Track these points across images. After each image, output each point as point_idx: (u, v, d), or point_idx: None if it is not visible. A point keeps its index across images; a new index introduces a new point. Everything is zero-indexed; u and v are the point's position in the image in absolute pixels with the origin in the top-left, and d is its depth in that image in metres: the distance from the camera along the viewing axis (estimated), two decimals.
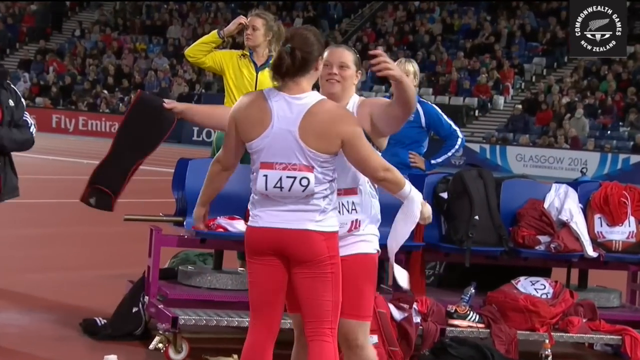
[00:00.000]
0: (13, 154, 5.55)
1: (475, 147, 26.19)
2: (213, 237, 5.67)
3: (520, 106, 28.07)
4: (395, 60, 4.19)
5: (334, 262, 3.83)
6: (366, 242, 3.97)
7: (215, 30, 6.68)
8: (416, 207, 3.89)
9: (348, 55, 3.99)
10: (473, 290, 5.76)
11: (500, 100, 29.65)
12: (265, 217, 3.83)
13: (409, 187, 3.89)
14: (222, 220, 5.67)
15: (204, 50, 6.60)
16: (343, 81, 3.97)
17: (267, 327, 3.89)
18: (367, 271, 3.96)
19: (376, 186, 4.01)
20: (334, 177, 3.85)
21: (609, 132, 26.79)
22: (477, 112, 29.46)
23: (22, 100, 5.65)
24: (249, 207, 3.93)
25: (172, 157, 6.87)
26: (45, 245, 9.40)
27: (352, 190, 3.95)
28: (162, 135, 4.45)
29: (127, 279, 6.20)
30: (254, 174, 3.86)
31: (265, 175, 3.79)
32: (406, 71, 6.37)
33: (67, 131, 31.59)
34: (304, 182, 3.76)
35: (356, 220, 3.93)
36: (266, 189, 3.80)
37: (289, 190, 3.77)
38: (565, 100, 27.90)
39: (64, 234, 10.25)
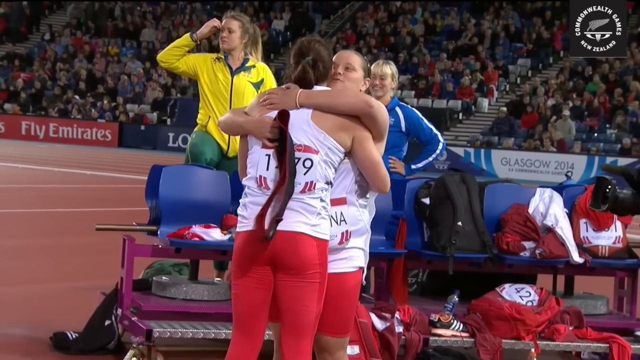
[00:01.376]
0: None
1: (460, 151, 26.29)
2: (188, 246, 5.65)
3: (505, 109, 28.18)
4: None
5: (322, 272, 3.84)
6: (348, 259, 3.99)
7: (188, 34, 6.66)
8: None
9: (355, 59, 4.08)
10: (457, 299, 5.77)
11: (485, 102, 29.78)
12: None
13: None
14: (198, 229, 5.66)
15: (177, 55, 6.58)
16: (347, 82, 4.02)
17: (250, 341, 3.89)
18: (348, 290, 3.98)
19: (368, 195, 4.04)
20: (331, 180, 3.88)
21: (595, 134, 26.96)
22: (461, 115, 29.56)
23: None
24: (238, 212, 3.92)
25: (145, 164, 6.85)
26: (14, 257, 9.34)
27: (340, 200, 3.96)
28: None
29: (100, 290, 6.17)
30: (252, 161, 3.86)
31: (268, 155, 3.83)
32: (384, 74, 6.37)
33: (38, 138, 31.41)
34: (307, 163, 3.81)
35: (346, 231, 3.96)
36: (267, 169, 3.82)
37: None
38: (550, 102, 28.05)
39: (33, 245, 10.18)
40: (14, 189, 16.09)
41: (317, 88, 3.93)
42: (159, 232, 5.72)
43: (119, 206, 13.71)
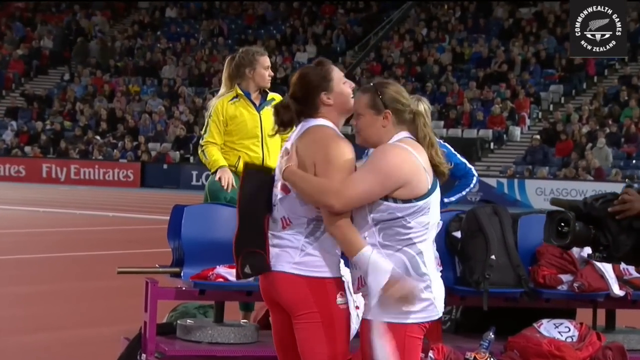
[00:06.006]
0: None
1: (492, 182, 26.19)
2: (213, 287, 5.65)
3: (538, 137, 28.11)
4: None
5: (323, 312, 3.82)
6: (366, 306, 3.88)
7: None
8: (377, 278, 3.75)
9: (358, 102, 3.95)
10: (492, 335, 5.72)
11: (517, 131, 29.71)
12: None
13: (366, 254, 3.75)
14: (222, 270, 5.66)
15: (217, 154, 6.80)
16: (362, 132, 3.95)
17: None
18: (364, 338, 3.86)
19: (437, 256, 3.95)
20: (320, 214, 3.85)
21: (634, 161, 26.78)
22: (492, 144, 29.51)
23: None
24: None
25: (168, 204, 6.88)
26: (35, 304, 9.38)
27: None
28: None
29: (123, 336, 6.17)
30: None
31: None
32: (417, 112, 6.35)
33: (59, 181, 31.70)
34: (278, 199, 3.94)
35: (361, 277, 3.84)
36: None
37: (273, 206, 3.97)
38: (585, 129, 27.93)
39: (55, 291, 10.23)
40: (35, 233, 16.22)
41: (311, 122, 3.91)
42: (182, 274, 5.73)
43: (142, 248, 13.77)
